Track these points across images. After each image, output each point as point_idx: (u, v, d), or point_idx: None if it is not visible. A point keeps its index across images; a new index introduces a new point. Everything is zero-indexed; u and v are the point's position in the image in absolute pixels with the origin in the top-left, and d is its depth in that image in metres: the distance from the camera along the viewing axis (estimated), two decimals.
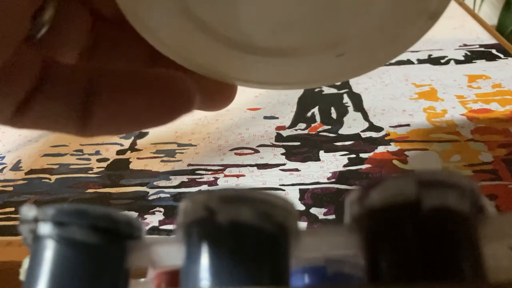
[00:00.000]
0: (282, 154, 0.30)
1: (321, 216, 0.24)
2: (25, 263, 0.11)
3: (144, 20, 0.14)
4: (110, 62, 0.17)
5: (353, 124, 0.32)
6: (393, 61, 0.41)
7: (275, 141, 0.31)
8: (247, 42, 0.15)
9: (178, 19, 0.14)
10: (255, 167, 0.29)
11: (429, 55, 0.41)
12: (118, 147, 0.32)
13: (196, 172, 0.29)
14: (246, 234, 0.10)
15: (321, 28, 0.15)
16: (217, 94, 0.17)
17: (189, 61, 0.16)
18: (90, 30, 0.16)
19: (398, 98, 0.35)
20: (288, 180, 0.27)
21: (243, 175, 0.28)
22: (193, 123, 0.35)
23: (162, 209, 0.26)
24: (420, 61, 0.41)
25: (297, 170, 0.28)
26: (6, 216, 0.27)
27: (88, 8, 0.16)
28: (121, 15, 0.14)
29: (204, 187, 0.27)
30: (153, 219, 0.25)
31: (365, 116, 0.33)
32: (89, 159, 0.31)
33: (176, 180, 0.28)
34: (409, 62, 0.41)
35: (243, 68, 0.16)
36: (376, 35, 0.15)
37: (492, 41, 0.43)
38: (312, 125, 0.33)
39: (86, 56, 0.16)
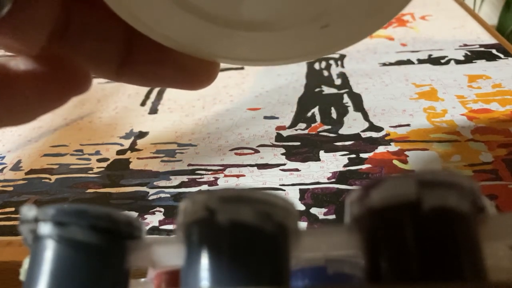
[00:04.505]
0: (282, 154, 0.30)
1: (321, 216, 0.24)
2: (25, 263, 0.11)
3: None
4: (83, 43, 0.16)
5: (353, 124, 0.32)
6: (393, 61, 0.41)
7: (275, 141, 0.31)
8: (227, 16, 0.14)
9: None
10: (255, 167, 0.29)
11: (429, 55, 0.41)
12: (118, 147, 0.32)
13: (196, 172, 0.29)
14: (246, 234, 0.10)
15: None
16: (198, 72, 0.17)
17: (167, 38, 0.15)
18: (60, 9, 0.15)
19: (398, 98, 0.35)
20: (288, 180, 0.27)
21: (243, 175, 0.28)
22: (193, 123, 0.35)
23: (162, 209, 0.26)
24: (420, 61, 0.41)
25: (297, 170, 0.28)
26: (6, 216, 0.27)
27: None
28: None
29: (204, 187, 0.27)
30: (153, 219, 0.25)
31: (365, 116, 0.33)
32: (89, 159, 0.31)
33: (176, 180, 0.28)
34: (409, 62, 0.41)
35: (223, 44, 0.15)
36: (360, 4, 0.14)
37: (492, 41, 0.43)
38: (312, 125, 0.33)
39: (56, 37, 0.16)
